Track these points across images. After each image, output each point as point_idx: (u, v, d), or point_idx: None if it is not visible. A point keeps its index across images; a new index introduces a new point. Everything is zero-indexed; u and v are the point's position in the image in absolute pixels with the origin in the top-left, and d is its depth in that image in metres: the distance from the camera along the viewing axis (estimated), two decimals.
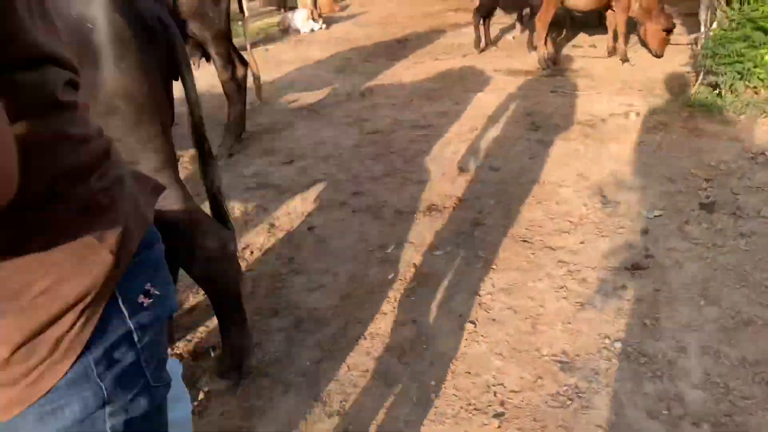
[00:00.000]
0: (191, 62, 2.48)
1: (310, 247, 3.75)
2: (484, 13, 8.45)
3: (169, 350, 2.93)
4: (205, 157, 2.62)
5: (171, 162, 2.39)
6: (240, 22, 6.62)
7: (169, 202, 2.35)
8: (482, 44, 8.46)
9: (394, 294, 3.20)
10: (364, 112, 6.18)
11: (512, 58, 7.99)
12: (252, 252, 3.76)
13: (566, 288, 3.17)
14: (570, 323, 2.91)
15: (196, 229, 2.47)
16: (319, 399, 2.57)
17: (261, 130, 5.97)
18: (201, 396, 2.62)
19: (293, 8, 12.16)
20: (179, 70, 2.42)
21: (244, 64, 5.48)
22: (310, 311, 3.14)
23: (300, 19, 11.29)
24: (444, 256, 3.52)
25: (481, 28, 8.45)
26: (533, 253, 3.50)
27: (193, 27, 4.89)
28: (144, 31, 2.22)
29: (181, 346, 2.96)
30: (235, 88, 5.33)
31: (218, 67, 5.19)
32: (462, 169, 4.68)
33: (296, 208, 4.26)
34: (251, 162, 5.18)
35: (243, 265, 3.62)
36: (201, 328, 3.07)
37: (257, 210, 4.30)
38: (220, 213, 2.69)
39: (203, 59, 5.29)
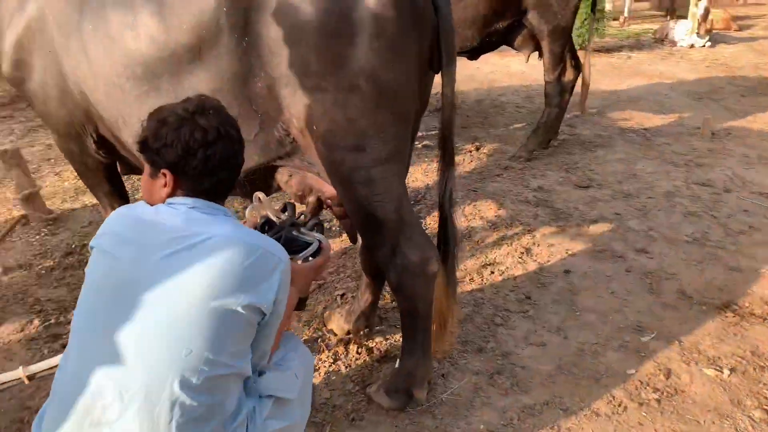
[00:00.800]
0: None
1: (555, 292, 3.20)
2: None
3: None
4: (445, 160, 2.32)
5: (399, 156, 2.16)
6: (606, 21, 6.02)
7: (384, 197, 2.14)
8: None
9: (623, 395, 2.49)
10: (704, 157, 5.08)
11: None
12: (493, 272, 3.38)
13: None
14: None
15: (402, 234, 2.21)
16: None
17: (572, 141, 5.40)
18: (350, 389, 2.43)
19: (681, 17, 10.79)
20: (441, 61, 2.15)
21: (577, 68, 4.95)
22: (515, 365, 2.65)
23: (682, 30, 9.96)
24: (717, 380, 2.62)
25: None
26: None
27: (532, 18, 4.57)
28: (410, 12, 1.98)
29: (377, 340, 2.80)
30: (558, 91, 4.86)
31: (546, 64, 4.78)
32: None
33: (562, 241, 3.70)
34: (542, 174, 4.71)
35: (479, 281, 3.28)
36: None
37: (521, 227, 3.86)
38: (444, 224, 2.38)
39: (536, 53, 4.94)
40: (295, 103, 2.07)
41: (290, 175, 2.36)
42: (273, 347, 1.76)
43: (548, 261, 3.50)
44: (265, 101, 2.10)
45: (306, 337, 2.85)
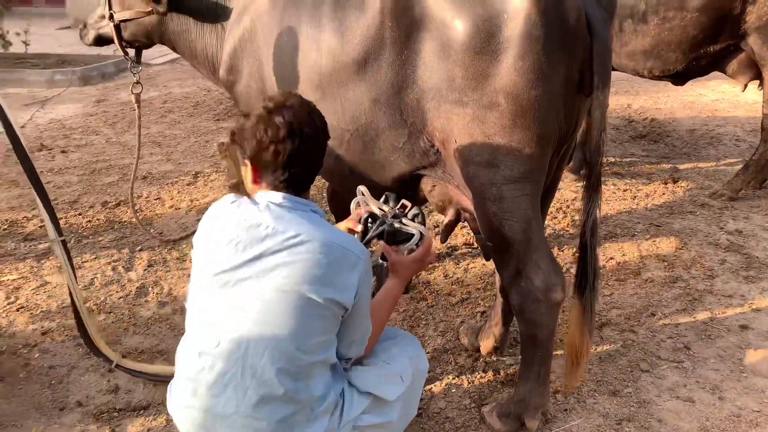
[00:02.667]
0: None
1: (722, 347, 2.84)
2: None
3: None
4: (591, 186, 2.23)
5: (533, 177, 2.14)
6: None
7: (512, 216, 2.14)
8: None
9: None
10: None
11: None
12: (654, 314, 3.11)
13: None
14: None
15: (528, 256, 2.19)
16: None
17: None
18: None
19: None
20: (591, 82, 2.08)
21: None
22: (651, 416, 2.43)
23: None
24: None
25: None
26: None
27: (753, 42, 4.06)
28: (559, 34, 1.97)
29: (506, 362, 2.78)
30: None
31: (766, 94, 4.21)
32: None
33: (746, 293, 3.25)
34: (745, 217, 4.16)
35: (634, 322, 3.05)
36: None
37: (701, 271, 3.47)
38: (585, 254, 2.28)
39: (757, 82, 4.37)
40: (438, 116, 2.17)
41: (433, 186, 2.46)
42: (372, 339, 1.88)
43: (723, 313, 3.11)
44: (414, 112, 2.23)
45: (437, 346, 2.92)
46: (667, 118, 6.55)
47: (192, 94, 7.57)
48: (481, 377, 2.71)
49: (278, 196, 1.76)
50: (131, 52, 3.25)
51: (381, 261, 2.07)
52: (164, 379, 2.65)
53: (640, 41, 4.30)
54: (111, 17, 3.04)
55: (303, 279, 1.64)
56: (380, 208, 2.13)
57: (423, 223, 2.11)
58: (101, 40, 3.32)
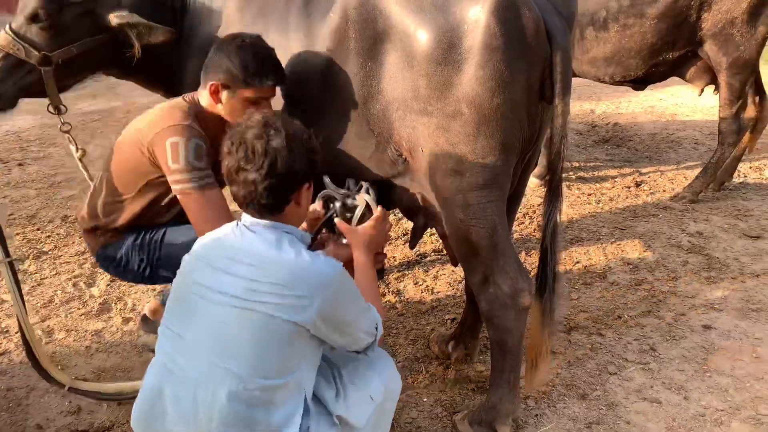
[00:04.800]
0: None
1: (687, 348, 2.89)
2: None
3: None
4: (552, 192, 2.24)
5: (498, 184, 2.15)
6: None
7: (478, 223, 2.15)
8: None
9: None
10: None
11: None
12: (621, 316, 3.15)
13: None
14: None
15: (496, 263, 2.19)
16: None
17: (752, 187, 4.81)
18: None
19: None
20: (552, 90, 2.10)
21: (762, 107, 4.42)
22: (619, 418, 2.46)
23: None
24: None
25: None
26: None
27: (709, 49, 4.18)
28: (519, 43, 1.98)
29: (477, 369, 2.78)
30: (733, 130, 4.37)
31: (722, 99, 4.33)
32: None
33: (708, 293, 3.32)
34: (705, 219, 4.26)
35: (601, 325, 3.08)
36: None
37: (664, 273, 3.54)
38: (545, 256, 2.29)
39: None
40: (404, 126, 2.17)
41: (403, 193, 2.46)
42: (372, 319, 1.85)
43: (686, 313, 3.17)
44: (380, 122, 2.23)
45: (408, 355, 2.91)
46: (629, 123, 6.69)
47: (156, 103, 7.44)
48: (453, 385, 2.70)
49: (255, 223, 1.76)
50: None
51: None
52: (119, 398, 2.58)
53: (601, 48, 4.39)
54: (41, 60, 2.46)
55: (262, 303, 1.61)
56: (337, 191, 2.30)
57: (374, 198, 2.26)
58: (21, 95, 2.59)
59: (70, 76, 2.65)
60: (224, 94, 2.22)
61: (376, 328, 1.88)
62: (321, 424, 1.75)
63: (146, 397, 1.70)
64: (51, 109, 2.63)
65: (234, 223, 1.81)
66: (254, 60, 2.16)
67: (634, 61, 4.35)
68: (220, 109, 2.27)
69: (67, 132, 2.69)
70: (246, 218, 1.78)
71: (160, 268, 2.44)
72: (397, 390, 2.05)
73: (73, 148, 2.75)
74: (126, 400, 2.56)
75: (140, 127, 2.29)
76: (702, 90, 4.56)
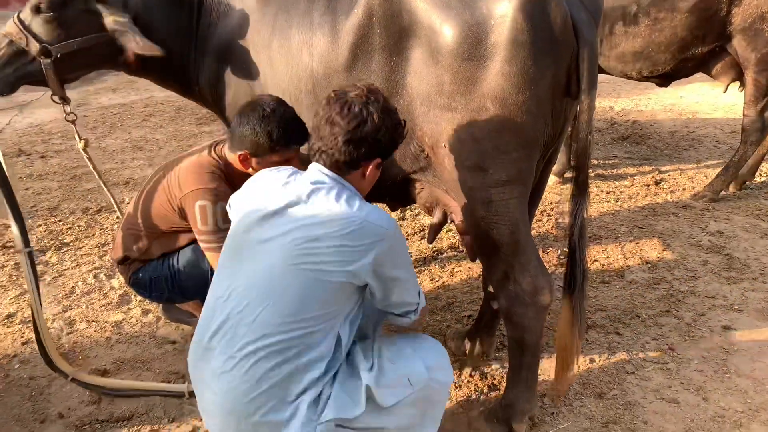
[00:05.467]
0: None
1: (706, 348, 2.87)
2: None
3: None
4: (578, 189, 2.22)
5: (521, 180, 2.14)
6: None
7: (500, 219, 2.14)
8: None
9: None
10: None
11: None
12: (639, 315, 3.13)
13: None
14: None
15: (517, 260, 2.19)
16: None
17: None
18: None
19: None
20: (578, 86, 2.08)
21: None
22: (636, 418, 2.45)
23: None
24: None
25: None
26: None
27: (737, 44, 4.08)
28: (546, 39, 1.97)
29: (493, 367, 2.77)
30: (758, 127, 4.31)
31: (748, 96, 4.24)
32: None
33: (728, 293, 3.29)
34: (726, 218, 4.21)
35: (620, 324, 3.07)
36: None
37: (684, 272, 3.51)
38: (573, 256, 2.27)
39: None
40: (428, 121, 2.16)
41: (421, 188, 2.46)
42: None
43: (706, 314, 3.14)
44: (404, 117, 2.22)
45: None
46: (649, 120, 6.62)
47: (174, 98, 7.48)
48: (468, 382, 2.70)
49: (318, 172, 1.85)
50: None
51: None
52: (121, 394, 2.62)
53: (630, 43, 4.34)
54: (45, 51, 2.48)
55: (310, 249, 1.71)
56: None
57: None
58: (21, 82, 2.60)
59: (70, 70, 2.65)
60: (253, 161, 2.37)
61: (419, 295, 1.96)
62: (348, 381, 1.82)
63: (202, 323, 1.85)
64: (56, 99, 2.66)
65: (290, 170, 1.93)
66: (278, 129, 2.29)
67: (663, 55, 4.28)
68: (252, 173, 2.38)
69: (72, 122, 2.73)
70: (311, 169, 1.88)
71: (182, 280, 2.64)
72: (445, 382, 2.01)
73: (77, 137, 2.81)
74: (124, 397, 2.62)
75: (171, 183, 2.50)
76: (727, 87, 4.48)
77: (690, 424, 2.43)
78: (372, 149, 1.84)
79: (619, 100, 7.43)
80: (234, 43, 2.64)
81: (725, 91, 4.62)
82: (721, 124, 6.50)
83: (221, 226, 2.38)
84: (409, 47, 2.14)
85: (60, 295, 3.38)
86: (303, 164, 2.24)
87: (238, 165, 2.41)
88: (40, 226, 4.17)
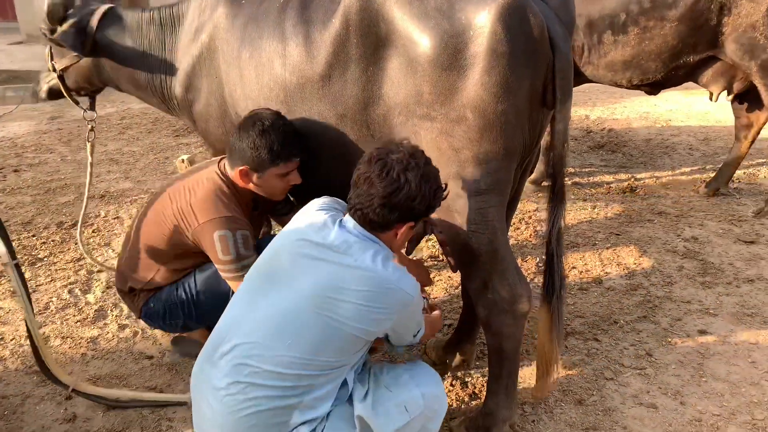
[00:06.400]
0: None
1: (683, 353, 2.90)
2: None
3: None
4: (555, 197, 2.25)
5: (499, 189, 2.16)
6: None
7: (479, 228, 2.15)
8: None
9: None
10: None
11: None
12: (617, 321, 3.16)
13: None
14: None
15: (495, 269, 2.20)
16: None
17: (747, 191, 4.85)
18: None
19: None
20: (554, 96, 2.11)
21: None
22: (616, 424, 2.47)
23: None
24: None
25: None
26: None
27: (732, 52, 4.09)
28: (524, 50, 1.99)
29: (474, 375, 2.78)
30: (756, 130, 4.42)
31: (766, 100, 4.23)
32: None
33: (704, 298, 3.34)
34: (700, 224, 4.28)
35: (598, 331, 3.09)
36: None
37: (660, 278, 3.56)
38: (551, 263, 2.30)
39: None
40: (406, 130, 2.17)
41: None
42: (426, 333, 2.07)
43: (682, 318, 3.19)
44: (381, 127, 2.24)
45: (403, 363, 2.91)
46: (624, 129, 6.73)
47: (151, 110, 7.41)
48: (449, 391, 2.70)
49: (353, 224, 1.89)
50: (85, 100, 3.30)
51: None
52: (124, 405, 2.57)
53: (620, 52, 4.34)
54: (53, 68, 3.04)
55: (337, 301, 1.75)
56: None
57: None
58: (53, 93, 3.27)
59: (74, 87, 3.14)
60: (254, 176, 2.37)
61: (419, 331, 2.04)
62: (343, 411, 1.85)
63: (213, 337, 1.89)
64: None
65: (332, 216, 1.94)
66: (277, 142, 2.29)
67: (654, 64, 4.28)
68: (252, 187, 2.42)
69: (91, 121, 3.22)
70: (348, 220, 1.92)
71: (201, 304, 2.56)
72: (439, 411, 2.04)
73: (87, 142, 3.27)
74: (123, 408, 2.56)
75: (183, 209, 2.41)
76: (718, 96, 4.50)
77: (668, 429, 2.45)
78: (405, 215, 1.88)
79: (594, 108, 7.54)
80: (204, 55, 2.66)
81: (715, 100, 4.63)
82: (695, 132, 6.63)
83: (243, 253, 2.36)
84: (386, 57, 2.15)
85: (34, 312, 3.31)
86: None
87: (238, 180, 2.39)
88: (13, 241, 4.09)
